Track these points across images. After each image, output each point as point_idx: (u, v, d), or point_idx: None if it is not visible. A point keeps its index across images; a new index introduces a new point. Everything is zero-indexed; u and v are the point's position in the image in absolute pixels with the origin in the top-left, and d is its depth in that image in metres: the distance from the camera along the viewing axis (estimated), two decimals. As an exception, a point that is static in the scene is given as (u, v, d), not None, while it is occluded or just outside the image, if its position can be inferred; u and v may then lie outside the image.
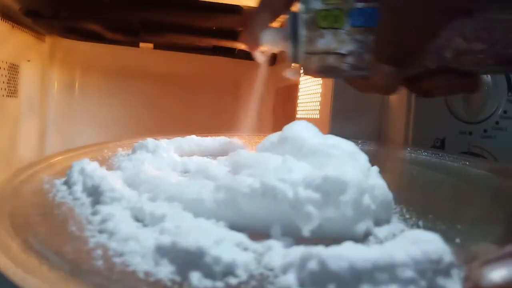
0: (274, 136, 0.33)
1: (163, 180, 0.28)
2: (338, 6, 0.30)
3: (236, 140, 0.45)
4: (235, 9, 0.80)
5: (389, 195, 0.27)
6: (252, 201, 0.24)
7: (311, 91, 0.70)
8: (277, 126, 1.10)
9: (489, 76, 0.56)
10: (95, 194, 0.26)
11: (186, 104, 1.06)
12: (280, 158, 0.27)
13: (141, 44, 0.93)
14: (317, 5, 0.31)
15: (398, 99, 0.58)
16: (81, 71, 0.99)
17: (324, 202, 0.23)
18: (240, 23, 0.81)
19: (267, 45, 0.34)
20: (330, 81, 0.61)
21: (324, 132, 0.60)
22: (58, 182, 0.30)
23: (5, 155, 0.70)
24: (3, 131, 0.69)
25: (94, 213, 0.24)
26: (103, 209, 0.24)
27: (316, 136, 0.31)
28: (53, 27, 0.85)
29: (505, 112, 0.57)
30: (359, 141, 0.52)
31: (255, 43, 0.34)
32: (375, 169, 0.29)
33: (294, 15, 0.32)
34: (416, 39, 0.29)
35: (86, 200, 0.27)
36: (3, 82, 0.68)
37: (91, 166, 0.30)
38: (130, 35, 0.88)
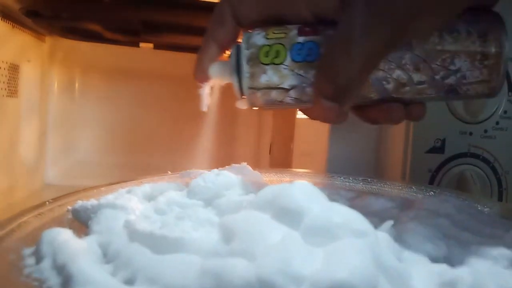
0: (268, 193, 0.28)
1: (140, 252, 0.25)
2: (280, 41, 0.30)
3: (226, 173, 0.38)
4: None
5: (404, 271, 0.24)
6: None
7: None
8: (277, 127, 1.09)
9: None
10: (65, 275, 0.24)
11: (186, 104, 1.05)
12: (278, 230, 0.25)
13: (141, 44, 0.93)
14: (259, 41, 0.31)
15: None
16: (81, 71, 0.99)
17: None
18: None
19: (215, 79, 0.35)
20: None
21: (325, 132, 0.59)
22: (27, 252, 0.27)
23: (5, 155, 0.70)
24: (3, 131, 0.69)
25: None
26: None
27: (318, 206, 0.27)
28: (53, 27, 0.85)
29: (505, 112, 0.58)
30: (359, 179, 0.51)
31: (204, 76, 0.35)
32: (387, 239, 0.25)
33: (238, 50, 0.31)
34: (354, 73, 0.28)
35: (55, 280, 0.24)
36: (3, 82, 0.68)
37: (63, 237, 0.27)
38: (130, 35, 0.88)
